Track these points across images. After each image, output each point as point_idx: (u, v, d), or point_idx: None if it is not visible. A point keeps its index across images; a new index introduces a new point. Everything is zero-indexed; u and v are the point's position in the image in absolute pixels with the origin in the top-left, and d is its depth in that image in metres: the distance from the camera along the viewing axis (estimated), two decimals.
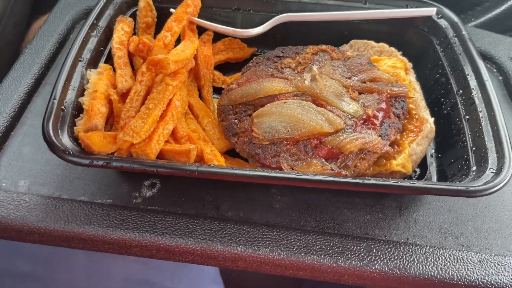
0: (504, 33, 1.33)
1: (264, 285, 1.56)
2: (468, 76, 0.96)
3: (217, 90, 1.07)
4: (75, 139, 0.82)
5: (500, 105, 1.04)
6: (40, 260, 1.22)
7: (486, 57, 1.21)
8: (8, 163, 0.91)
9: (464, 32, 1.03)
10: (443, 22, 1.08)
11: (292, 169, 0.83)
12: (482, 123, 0.88)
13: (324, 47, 1.02)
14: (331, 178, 0.76)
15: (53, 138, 0.77)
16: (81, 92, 0.89)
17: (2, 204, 0.83)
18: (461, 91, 0.96)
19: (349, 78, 0.93)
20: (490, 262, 0.83)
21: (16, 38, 1.82)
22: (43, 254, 1.20)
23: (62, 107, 0.84)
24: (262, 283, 1.55)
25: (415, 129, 0.92)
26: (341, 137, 0.83)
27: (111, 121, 0.90)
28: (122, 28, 1.02)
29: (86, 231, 0.81)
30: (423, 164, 0.96)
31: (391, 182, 0.76)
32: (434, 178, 0.94)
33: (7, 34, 1.71)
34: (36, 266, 1.23)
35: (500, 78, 1.17)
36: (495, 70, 1.19)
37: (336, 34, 1.14)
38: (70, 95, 0.87)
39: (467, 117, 0.92)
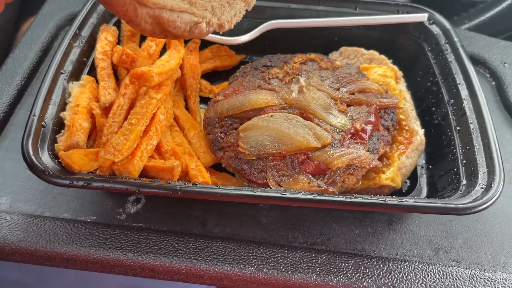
0: (497, 35, 1.31)
1: None
2: (459, 85, 0.94)
3: (205, 100, 1.05)
4: (56, 156, 0.80)
5: (492, 112, 1.03)
6: (31, 268, 1.20)
7: (479, 62, 1.19)
8: None
9: (456, 39, 1.01)
10: (434, 28, 1.06)
11: (279, 185, 0.81)
12: (473, 135, 0.86)
13: (312, 56, 1.00)
14: (317, 197, 0.74)
15: (33, 157, 0.75)
16: (63, 106, 0.87)
17: None
18: (452, 100, 0.95)
19: (338, 89, 0.91)
20: (480, 278, 0.81)
21: (3, 42, 1.79)
22: None
23: (43, 123, 0.82)
24: None
25: (405, 141, 0.90)
26: (328, 153, 0.81)
27: (94, 135, 0.88)
28: (106, 37, 0.99)
29: (68, 251, 0.80)
30: (413, 176, 0.94)
31: (379, 200, 0.74)
32: (424, 190, 0.92)
33: None
34: (26, 274, 1.21)
35: (493, 83, 1.15)
36: (488, 75, 1.17)
37: (326, 40, 1.12)
38: (51, 110, 0.84)
39: (458, 128, 0.90)
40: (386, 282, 0.80)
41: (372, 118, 0.86)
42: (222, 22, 0.64)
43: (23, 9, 1.83)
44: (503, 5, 1.31)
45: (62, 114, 0.85)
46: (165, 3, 0.56)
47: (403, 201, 0.75)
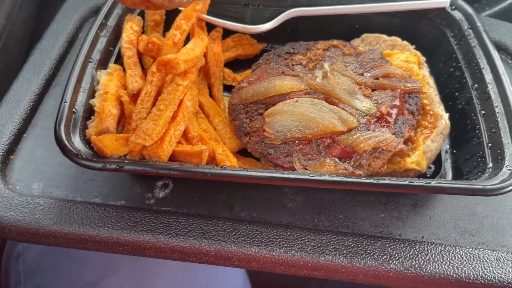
0: None
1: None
2: (483, 70, 0.94)
3: (228, 88, 1.06)
4: (87, 141, 0.82)
5: None
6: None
7: (500, 48, 1.18)
8: (22, 165, 0.91)
9: (479, 24, 1.01)
10: (457, 14, 1.05)
11: (305, 169, 0.82)
12: (498, 119, 0.86)
13: (335, 42, 1.01)
14: (345, 179, 0.75)
15: (66, 142, 0.77)
16: (92, 93, 0.89)
17: (17, 207, 0.84)
18: (476, 85, 0.94)
19: (362, 74, 0.92)
20: (507, 259, 0.82)
21: (25, 35, 1.82)
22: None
23: (74, 109, 0.84)
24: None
25: (429, 125, 0.91)
26: (354, 136, 0.82)
27: (123, 122, 0.90)
28: (131, 27, 1.01)
29: (100, 233, 0.82)
30: (438, 160, 0.94)
31: (406, 181, 0.75)
32: (449, 174, 0.92)
33: (16, 31, 1.72)
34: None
35: None
36: (510, 61, 1.16)
37: (347, 28, 1.12)
38: (81, 97, 0.87)
39: (483, 112, 0.90)
40: (413, 264, 0.81)
41: (397, 102, 0.86)
42: None
43: (43, 2, 1.86)
44: None
45: (91, 101, 0.87)
46: None
47: (430, 183, 0.75)
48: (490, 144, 0.85)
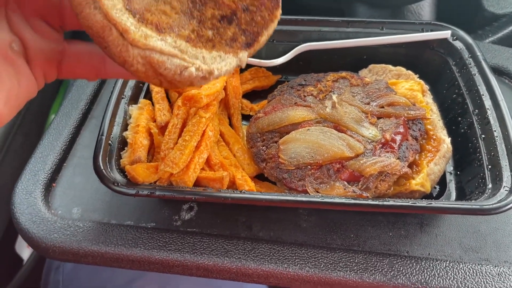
0: None
1: None
2: (483, 96, 1.01)
3: (246, 117, 1.16)
4: (121, 170, 0.92)
5: None
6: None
7: (503, 73, 1.25)
8: (63, 192, 1.02)
9: (478, 53, 1.08)
10: (458, 44, 1.13)
11: (317, 192, 0.90)
12: (497, 142, 0.93)
13: (343, 74, 1.10)
14: (353, 201, 0.83)
15: (103, 171, 0.87)
16: (125, 126, 1.00)
17: (60, 230, 0.94)
18: (476, 110, 1.01)
19: (368, 103, 1.00)
20: (509, 274, 0.87)
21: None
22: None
23: (109, 142, 0.94)
24: None
25: (433, 149, 0.98)
26: (361, 161, 0.89)
27: (152, 151, 1.00)
28: None
29: (133, 253, 0.91)
30: (443, 181, 1.01)
31: (409, 203, 0.82)
32: (454, 195, 0.99)
33: None
34: None
35: None
36: None
37: (356, 59, 1.21)
38: (115, 130, 0.97)
39: (483, 136, 0.97)
40: (419, 279, 0.87)
41: (401, 129, 0.94)
42: (212, 68, 0.65)
43: (77, 35, 2.01)
44: None
45: (125, 134, 0.98)
46: (155, 45, 0.59)
47: (431, 203, 0.82)
48: (489, 166, 0.92)
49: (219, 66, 0.66)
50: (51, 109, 1.93)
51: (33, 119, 1.73)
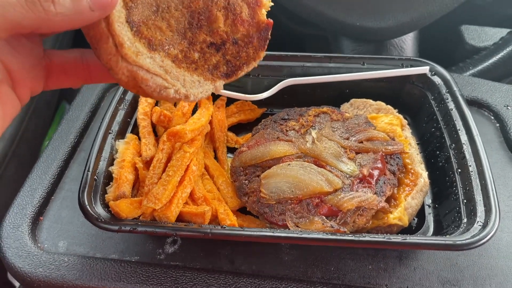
0: (501, 79, 1.41)
1: None
2: (459, 131, 1.04)
3: (231, 150, 1.19)
4: (106, 205, 0.95)
5: (497, 152, 1.15)
6: None
7: (483, 105, 1.29)
8: (49, 225, 1.04)
9: (455, 89, 1.12)
10: (436, 79, 1.17)
11: (297, 226, 0.92)
12: (472, 177, 0.95)
13: (325, 109, 1.13)
14: (330, 237, 0.85)
15: (88, 207, 0.90)
16: (111, 161, 1.03)
17: (45, 264, 0.96)
18: (453, 145, 1.04)
19: (347, 138, 1.03)
20: None
21: (53, 98, 2.01)
22: None
23: (95, 177, 0.97)
24: None
25: (410, 183, 1.00)
26: (339, 196, 0.92)
27: (137, 186, 1.02)
28: (146, 100, 1.15)
29: (116, 287, 0.92)
30: (422, 214, 1.03)
31: (385, 238, 0.84)
32: (431, 228, 1.01)
33: (45, 95, 1.90)
34: None
35: (497, 125, 1.24)
36: (492, 118, 1.26)
37: (338, 92, 1.25)
38: (102, 165, 1.00)
39: (459, 170, 1.00)
40: None
41: (379, 164, 0.97)
42: (189, 94, 0.69)
43: None
44: (505, 51, 1.41)
45: (110, 168, 1.01)
46: (143, 64, 0.63)
47: (406, 239, 0.84)
48: (465, 200, 0.94)
49: (196, 92, 0.71)
50: (46, 136, 1.97)
51: (27, 147, 1.76)
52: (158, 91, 0.66)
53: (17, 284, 2.02)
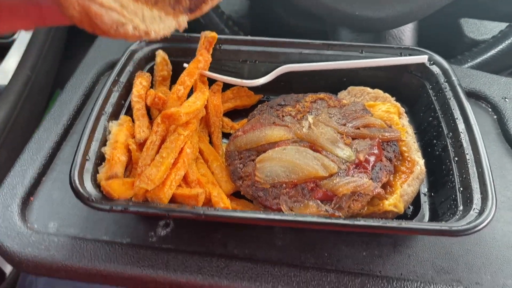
0: (499, 72, 1.40)
1: None
2: (457, 120, 1.03)
3: (226, 135, 1.17)
4: (98, 185, 0.93)
5: (494, 144, 1.14)
6: None
7: (481, 97, 1.28)
8: (40, 206, 1.02)
9: (454, 78, 1.11)
10: (434, 68, 1.16)
11: (291, 210, 0.91)
12: (469, 165, 0.94)
13: (322, 95, 1.12)
14: (324, 220, 0.84)
15: (79, 187, 0.88)
16: (104, 142, 1.01)
17: (34, 244, 0.94)
18: (450, 133, 1.04)
19: (344, 124, 1.02)
20: None
21: (47, 85, 1.99)
22: None
23: (87, 157, 0.95)
24: None
25: (406, 171, 0.99)
26: (334, 181, 0.91)
27: (130, 167, 1.01)
28: (141, 82, 1.14)
29: (106, 268, 0.91)
30: (417, 202, 1.02)
31: (380, 223, 0.83)
32: (427, 216, 1.00)
33: (40, 81, 1.88)
34: None
35: (495, 117, 1.23)
36: (490, 110, 1.25)
37: (336, 81, 1.24)
38: (94, 146, 0.98)
39: (456, 158, 0.99)
40: None
41: (375, 150, 0.96)
42: (149, 30, 0.64)
43: (65, 55, 2.04)
44: (503, 44, 1.40)
45: (103, 149, 0.99)
46: None
47: (401, 224, 0.83)
48: (461, 189, 0.94)
49: (157, 28, 0.65)
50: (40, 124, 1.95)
51: (19, 134, 1.74)
52: (115, 28, 0.60)
53: (7, 271, 2.01)
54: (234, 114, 1.23)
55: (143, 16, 0.63)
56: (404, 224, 0.83)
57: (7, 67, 1.78)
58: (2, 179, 1.06)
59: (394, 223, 0.83)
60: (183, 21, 0.70)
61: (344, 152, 0.96)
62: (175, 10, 0.68)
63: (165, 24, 0.67)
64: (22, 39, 1.84)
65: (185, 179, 0.99)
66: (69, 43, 2.09)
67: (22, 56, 1.80)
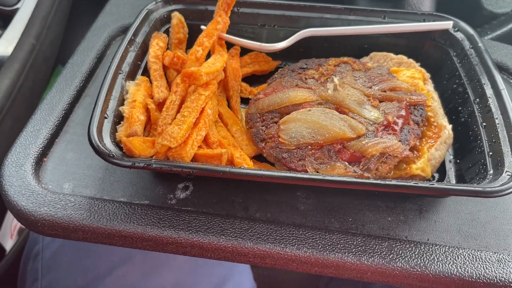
0: None
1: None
2: (484, 86, 1.01)
3: (245, 101, 1.14)
4: (116, 144, 0.89)
5: None
6: None
7: (502, 69, 1.25)
8: (54, 167, 0.99)
9: (480, 44, 1.08)
10: (459, 35, 1.13)
11: (317, 171, 0.88)
12: (498, 129, 0.92)
13: (345, 59, 1.09)
14: (354, 180, 0.81)
15: (98, 142, 0.84)
16: (122, 101, 0.97)
17: (50, 203, 0.91)
18: (478, 99, 1.01)
19: (370, 87, 0.99)
20: (509, 261, 0.86)
21: (52, 55, 1.94)
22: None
23: (105, 115, 0.91)
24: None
25: (433, 136, 0.97)
26: (363, 142, 0.88)
27: (149, 128, 0.97)
28: (157, 43, 1.10)
29: (126, 229, 0.88)
30: (442, 170, 1.00)
31: (411, 183, 0.81)
32: (453, 182, 0.98)
33: (44, 51, 1.83)
34: None
35: None
36: (511, 81, 1.23)
37: (357, 47, 1.20)
38: (112, 104, 0.94)
39: (484, 124, 0.96)
40: (418, 263, 0.85)
41: (403, 113, 0.93)
42: None
43: (70, 25, 1.99)
44: None
45: (121, 108, 0.95)
46: None
47: (433, 184, 0.81)
48: (491, 153, 0.91)
49: None
50: (44, 95, 1.90)
51: (23, 103, 1.70)
52: None
53: (8, 247, 1.98)
54: (252, 79, 1.20)
55: None
56: (437, 185, 0.81)
57: (11, 35, 1.73)
58: (7, 148, 1.02)
59: (426, 183, 0.81)
60: None
61: (372, 114, 0.93)
62: None
63: None
64: (26, 7, 1.79)
65: (206, 141, 0.96)
66: (73, 15, 2.04)
67: (27, 24, 1.75)
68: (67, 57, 1.24)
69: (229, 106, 1.10)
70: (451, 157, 1.03)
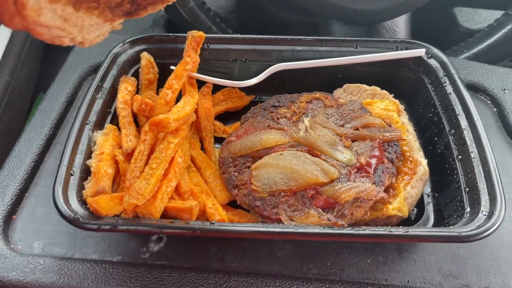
0: (496, 62, 1.36)
1: None
2: (459, 116, 0.99)
3: (219, 140, 1.11)
4: (84, 202, 0.87)
5: (495, 138, 1.10)
6: None
7: (479, 89, 1.24)
8: (23, 224, 0.96)
9: (453, 72, 1.07)
10: (433, 62, 1.11)
11: (291, 220, 0.86)
12: (474, 164, 0.90)
13: (317, 94, 1.07)
14: (327, 231, 0.79)
15: (64, 205, 0.82)
16: (89, 154, 0.95)
17: (19, 267, 0.88)
18: (453, 130, 0.99)
19: (342, 125, 0.97)
20: None
21: (28, 89, 1.91)
22: None
23: (71, 171, 0.89)
24: None
25: (409, 172, 0.95)
26: (336, 187, 0.86)
27: (118, 180, 0.95)
28: (126, 87, 1.07)
29: None
30: (420, 204, 0.98)
31: (386, 231, 0.79)
32: (431, 218, 0.96)
33: (20, 86, 1.80)
34: None
35: (495, 109, 1.20)
36: (489, 102, 1.22)
37: (331, 78, 1.19)
38: (78, 158, 0.92)
39: (460, 157, 0.95)
40: None
41: (376, 152, 0.91)
42: (85, 40, 0.67)
43: (45, 58, 1.96)
44: (500, 33, 1.36)
45: (88, 162, 0.93)
46: (43, 22, 0.59)
47: (408, 231, 0.79)
48: (467, 189, 0.89)
49: (91, 37, 0.68)
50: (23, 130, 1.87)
51: (0, 142, 1.67)
52: (52, 40, 0.63)
53: None
54: (225, 117, 1.18)
55: (82, 26, 0.65)
56: (412, 231, 0.79)
57: None
58: None
59: (401, 231, 0.79)
60: (118, 25, 0.71)
61: (344, 155, 0.91)
62: (113, 15, 0.69)
63: (100, 31, 0.69)
64: None
65: (177, 190, 0.94)
66: (49, 45, 2.01)
67: (0, 61, 1.72)
68: (48, 83, 1.22)
69: (202, 147, 1.08)
70: (429, 190, 1.01)
